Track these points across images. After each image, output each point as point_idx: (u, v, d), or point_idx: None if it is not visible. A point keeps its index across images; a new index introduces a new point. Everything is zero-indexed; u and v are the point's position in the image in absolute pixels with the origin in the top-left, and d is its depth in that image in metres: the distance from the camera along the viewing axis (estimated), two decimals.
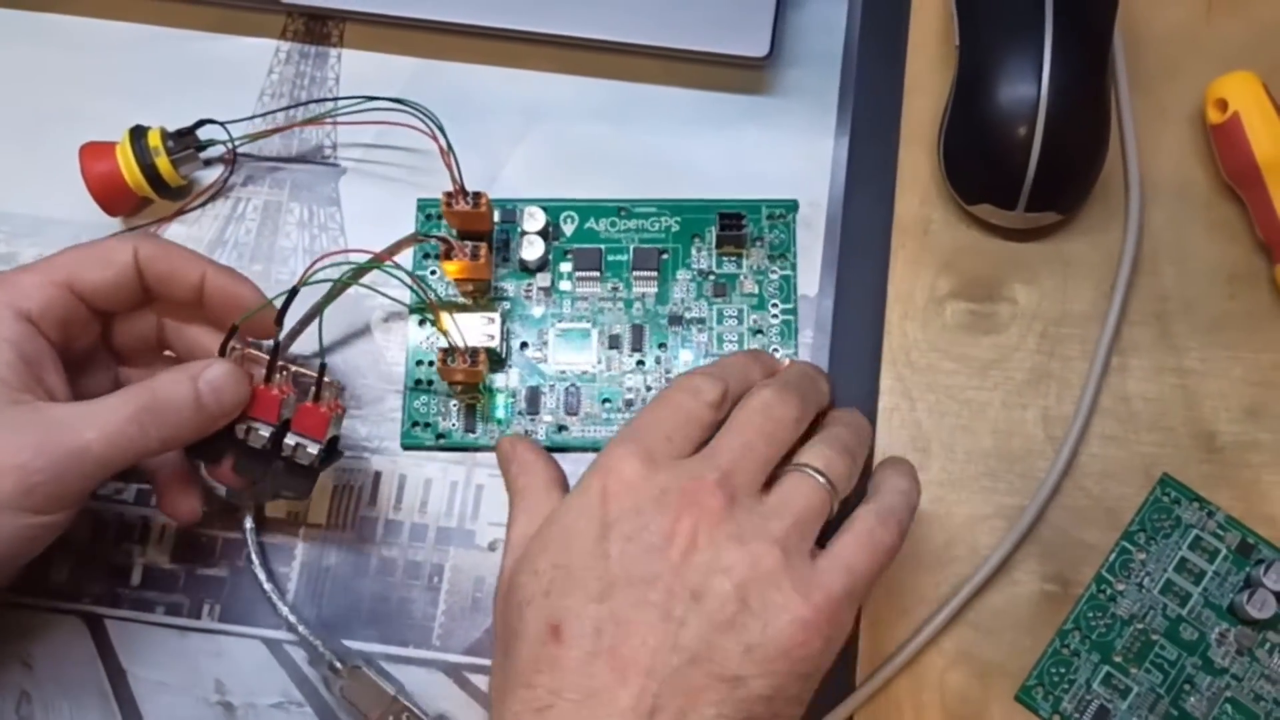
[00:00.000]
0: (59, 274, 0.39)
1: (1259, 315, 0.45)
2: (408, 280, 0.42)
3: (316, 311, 0.43)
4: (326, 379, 0.40)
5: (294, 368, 0.41)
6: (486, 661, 0.43)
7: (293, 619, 0.42)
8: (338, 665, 0.41)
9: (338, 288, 0.42)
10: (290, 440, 0.40)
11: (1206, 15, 0.49)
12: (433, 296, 0.43)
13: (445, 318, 0.43)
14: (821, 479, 0.36)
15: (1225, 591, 0.42)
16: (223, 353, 0.40)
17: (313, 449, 0.40)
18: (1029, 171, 0.43)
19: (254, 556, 0.43)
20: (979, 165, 0.45)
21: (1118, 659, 0.41)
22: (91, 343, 0.41)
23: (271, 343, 0.41)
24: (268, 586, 0.43)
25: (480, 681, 0.42)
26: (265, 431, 0.40)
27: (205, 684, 0.43)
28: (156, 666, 0.43)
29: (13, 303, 0.38)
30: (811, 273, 0.46)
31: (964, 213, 0.46)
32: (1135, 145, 0.46)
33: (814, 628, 0.33)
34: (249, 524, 0.43)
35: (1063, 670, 0.41)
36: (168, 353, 0.43)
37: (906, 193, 0.47)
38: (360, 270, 0.41)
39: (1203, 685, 0.41)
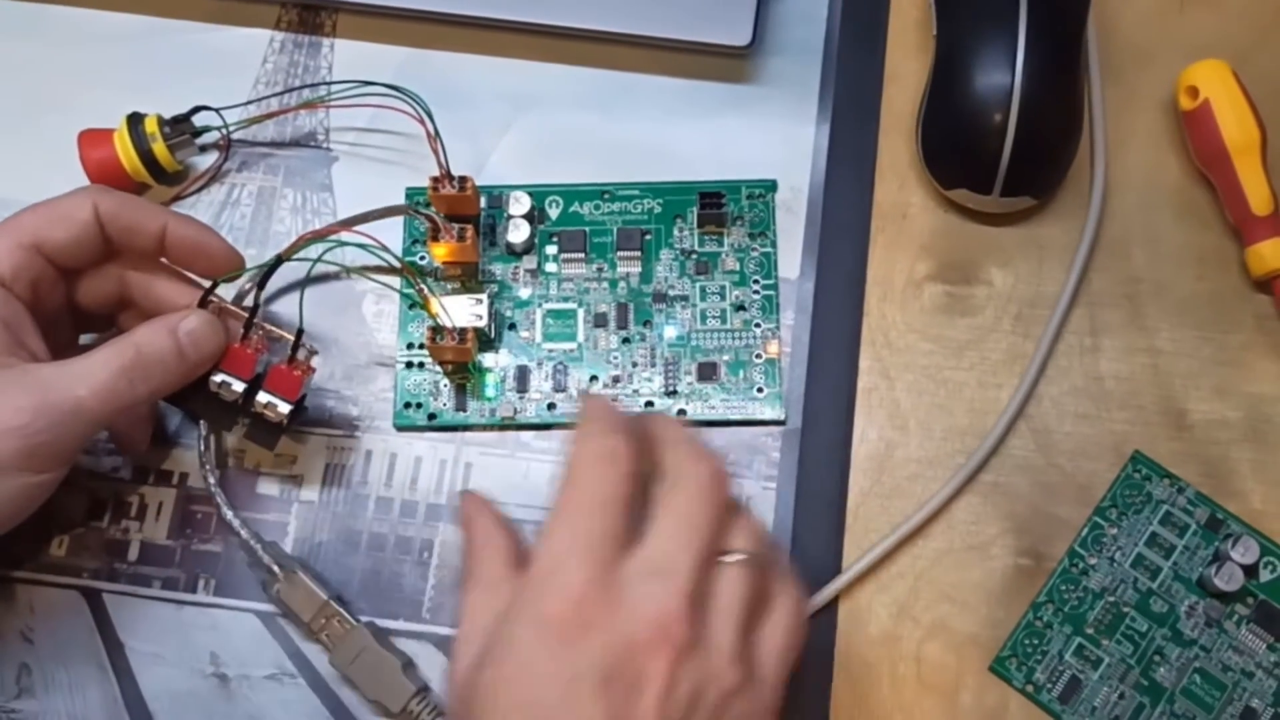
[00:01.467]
0: (25, 236, 0.39)
1: (1228, 297, 0.46)
2: (394, 261, 0.44)
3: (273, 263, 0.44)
4: (303, 344, 0.42)
5: (270, 328, 0.43)
6: None
7: (236, 522, 0.43)
8: (275, 569, 0.43)
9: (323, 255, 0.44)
10: (262, 398, 0.42)
11: (1179, 3, 0.50)
12: (419, 280, 0.44)
13: (430, 297, 0.44)
14: (754, 565, 0.36)
15: (1194, 565, 0.43)
16: (203, 306, 0.42)
17: (283, 408, 0.42)
18: (1003, 157, 0.44)
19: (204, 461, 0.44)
20: (955, 151, 0.46)
21: (1089, 631, 0.43)
22: (59, 303, 0.42)
23: (251, 303, 0.43)
24: (216, 491, 0.44)
25: None
26: (238, 387, 0.42)
27: (200, 656, 0.44)
28: (153, 639, 0.44)
29: None
30: (792, 256, 0.47)
31: (941, 197, 0.47)
32: (1104, 132, 0.47)
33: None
34: (202, 429, 0.45)
35: (1036, 642, 0.43)
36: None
37: (885, 178, 0.48)
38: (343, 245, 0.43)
39: (1172, 656, 0.42)
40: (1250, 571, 0.42)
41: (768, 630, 0.36)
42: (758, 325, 0.46)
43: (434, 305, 0.44)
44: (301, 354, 0.43)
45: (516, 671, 0.33)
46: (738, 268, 0.47)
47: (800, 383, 0.46)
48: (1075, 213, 0.47)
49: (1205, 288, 0.46)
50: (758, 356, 0.46)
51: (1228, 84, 0.46)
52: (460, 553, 0.40)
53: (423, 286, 0.44)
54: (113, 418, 0.39)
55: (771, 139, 0.49)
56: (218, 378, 0.42)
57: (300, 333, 0.42)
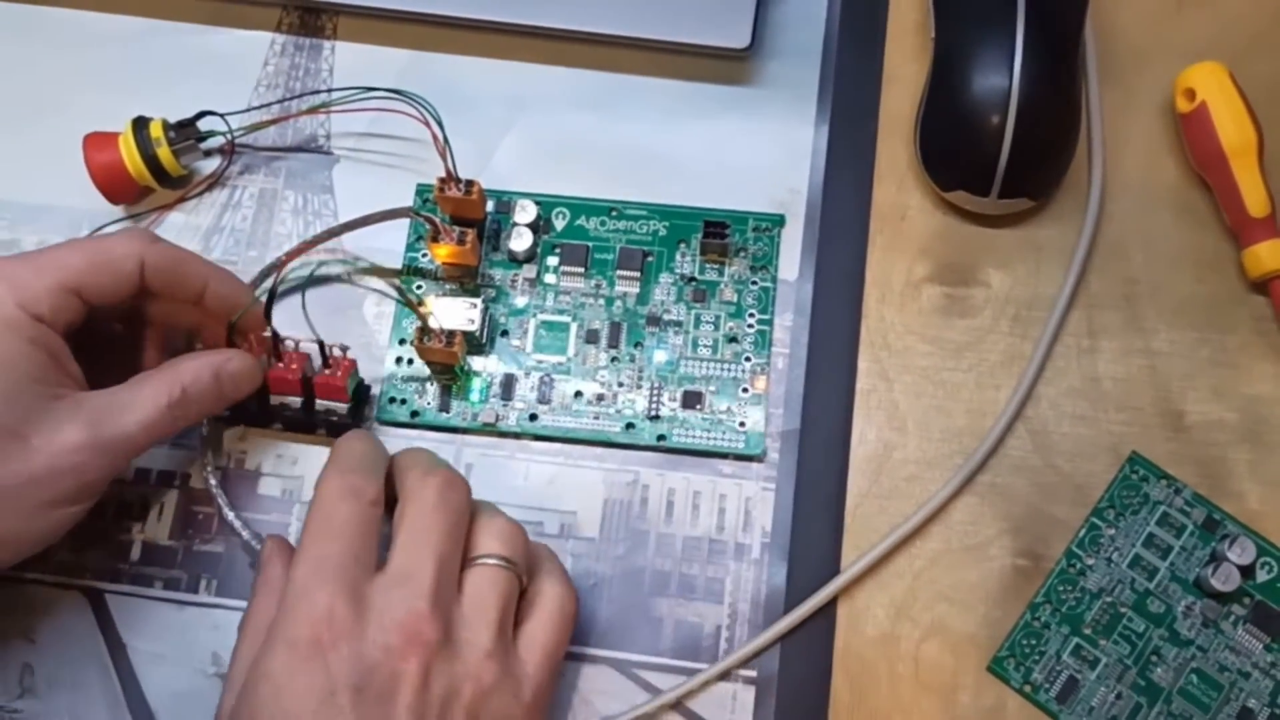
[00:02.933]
0: (70, 279, 0.39)
1: (1225, 299, 0.46)
2: (373, 267, 0.45)
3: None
4: (329, 345, 0.44)
5: (295, 341, 0.44)
6: None
7: (237, 523, 0.44)
8: (255, 545, 0.43)
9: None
10: (319, 407, 0.45)
11: (1177, 6, 0.50)
12: (401, 285, 0.45)
13: (417, 301, 0.45)
14: (506, 565, 0.38)
15: (1191, 566, 0.43)
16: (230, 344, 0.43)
17: (341, 409, 0.45)
18: (1001, 159, 0.44)
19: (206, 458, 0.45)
20: (953, 153, 0.46)
21: (1087, 631, 0.43)
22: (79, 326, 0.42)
23: (270, 331, 0.43)
24: (217, 492, 0.45)
25: None
26: (297, 403, 0.45)
27: (202, 656, 0.44)
28: (155, 639, 0.44)
29: (26, 304, 0.38)
30: (791, 257, 0.48)
31: (940, 199, 0.48)
32: (1101, 134, 0.48)
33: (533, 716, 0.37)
34: (204, 430, 0.46)
35: (1033, 642, 0.43)
36: None
37: (884, 180, 0.48)
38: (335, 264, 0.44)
39: (1169, 656, 0.42)
40: (1247, 572, 0.42)
41: (529, 627, 0.38)
42: (748, 359, 0.46)
43: (423, 308, 0.44)
44: (334, 354, 0.44)
45: (271, 695, 0.34)
46: (735, 299, 0.47)
47: (799, 384, 0.46)
48: (1073, 214, 0.47)
49: (1203, 289, 0.46)
50: (744, 390, 0.46)
51: (1224, 86, 0.46)
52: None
53: (406, 292, 0.44)
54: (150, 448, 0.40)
55: (771, 141, 0.49)
56: (275, 401, 0.45)
57: (321, 342, 0.43)
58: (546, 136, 0.50)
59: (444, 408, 0.46)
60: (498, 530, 0.39)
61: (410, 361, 0.46)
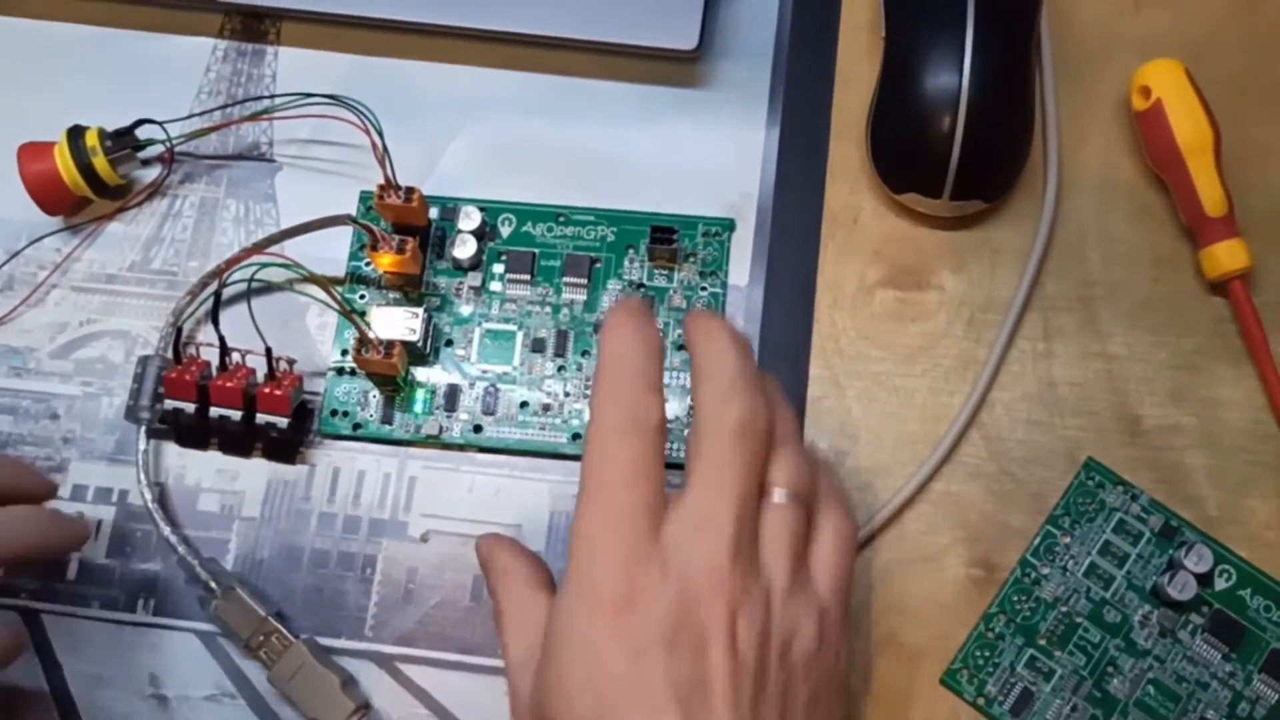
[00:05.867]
0: None
1: (1182, 299, 0.45)
2: (309, 275, 0.44)
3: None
4: (276, 357, 0.43)
5: (242, 353, 0.43)
6: (417, 652, 0.43)
7: (173, 539, 0.43)
8: (213, 585, 0.42)
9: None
10: (260, 420, 0.43)
11: (1135, 2, 0.49)
12: (334, 293, 0.44)
13: (351, 311, 0.44)
14: (800, 503, 0.36)
15: (1148, 574, 0.42)
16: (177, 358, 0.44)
17: (282, 423, 0.44)
18: (952, 161, 0.43)
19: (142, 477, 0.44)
20: (904, 155, 0.45)
21: (1042, 642, 0.42)
22: None
23: (217, 337, 0.43)
24: (154, 508, 0.44)
25: (411, 672, 0.43)
26: (237, 417, 0.43)
27: (140, 677, 0.43)
28: (92, 660, 0.43)
29: None
30: (742, 263, 0.47)
31: (892, 202, 0.47)
32: (1056, 134, 0.47)
33: (840, 653, 0.36)
34: (140, 443, 0.45)
35: (987, 653, 0.42)
36: None
37: (836, 182, 0.48)
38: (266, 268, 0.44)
39: (1126, 667, 0.41)
40: (1205, 580, 0.42)
41: (818, 553, 0.36)
42: None
43: (358, 318, 0.43)
44: (281, 367, 0.43)
45: (578, 657, 0.33)
46: (685, 305, 0.46)
47: None
48: (1028, 215, 0.47)
49: (1160, 291, 0.46)
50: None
51: (1180, 83, 0.45)
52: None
53: (341, 302, 0.43)
54: None
55: (721, 144, 0.48)
56: (215, 413, 0.43)
57: (269, 350, 0.43)
58: (494, 141, 0.49)
59: (387, 419, 0.45)
60: (793, 463, 0.36)
61: (353, 372, 0.45)
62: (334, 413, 0.45)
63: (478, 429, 0.45)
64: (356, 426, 0.45)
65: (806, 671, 0.34)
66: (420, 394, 0.45)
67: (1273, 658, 0.41)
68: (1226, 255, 0.44)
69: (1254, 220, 0.45)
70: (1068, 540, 0.43)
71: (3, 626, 0.41)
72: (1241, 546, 0.42)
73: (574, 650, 0.33)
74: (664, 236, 0.46)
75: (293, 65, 0.50)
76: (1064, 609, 0.42)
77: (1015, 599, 0.42)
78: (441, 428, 0.45)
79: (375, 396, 0.45)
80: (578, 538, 0.34)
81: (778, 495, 0.35)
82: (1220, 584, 0.42)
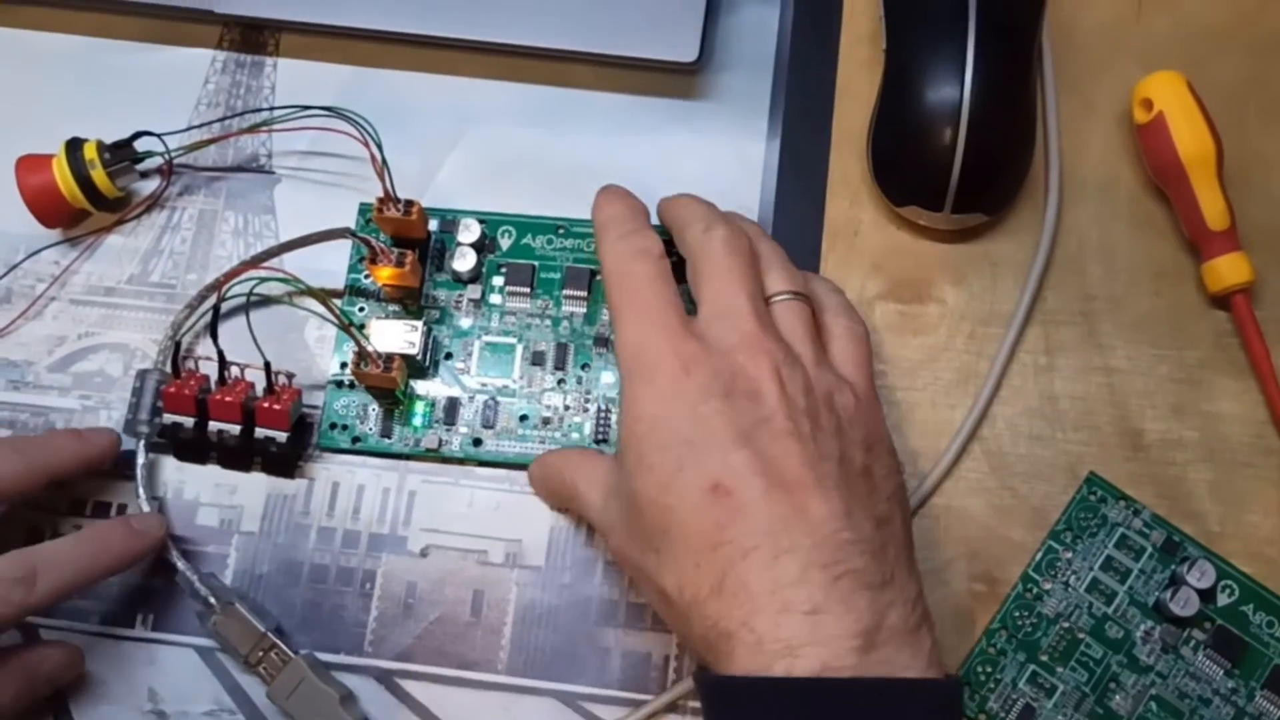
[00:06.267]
0: None
1: (1184, 313, 0.45)
2: (307, 289, 0.43)
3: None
4: (275, 371, 0.43)
5: (241, 366, 0.43)
6: (417, 667, 0.43)
7: (172, 554, 0.43)
8: (212, 601, 0.42)
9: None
10: (259, 434, 0.43)
11: (1137, 13, 0.49)
12: (333, 307, 0.43)
13: (352, 320, 0.44)
14: (800, 298, 0.40)
15: (1150, 589, 0.42)
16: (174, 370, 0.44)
17: (281, 438, 0.43)
18: (954, 174, 0.43)
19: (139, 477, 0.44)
20: (905, 168, 0.45)
21: (1044, 658, 0.42)
22: None
23: (216, 351, 0.43)
24: (146, 504, 0.44)
25: (410, 687, 0.43)
26: (236, 431, 0.43)
27: (139, 693, 0.43)
28: (91, 676, 0.43)
29: None
30: None
31: (893, 214, 0.46)
32: (1058, 146, 0.47)
33: (875, 412, 0.39)
34: (140, 457, 0.45)
35: (989, 669, 0.42)
36: None
37: (836, 195, 0.47)
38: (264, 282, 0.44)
39: (1128, 683, 0.41)
40: (1207, 596, 0.41)
41: (836, 348, 0.40)
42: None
43: (356, 332, 0.43)
44: (280, 381, 0.43)
45: (646, 425, 0.37)
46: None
47: None
48: (1029, 228, 0.46)
49: (1162, 304, 0.45)
50: None
51: (1182, 96, 0.45)
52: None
53: (340, 315, 0.43)
54: None
55: (721, 156, 0.48)
56: (214, 427, 0.43)
57: (268, 365, 0.43)
58: (493, 152, 0.49)
59: (386, 433, 0.45)
60: (781, 270, 0.40)
61: (352, 385, 0.45)
62: (333, 426, 0.45)
63: (477, 442, 0.45)
64: (356, 440, 0.45)
65: (853, 421, 0.37)
66: (420, 407, 0.45)
67: (1275, 674, 0.41)
68: (1228, 269, 0.44)
69: (1256, 234, 0.45)
70: (1070, 555, 0.43)
71: (61, 651, 0.42)
72: (1244, 562, 0.42)
73: (643, 425, 0.37)
74: (664, 249, 0.45)
75: (292, 77, 0.50)
76: (1066, 625, 0.42)
77: (1017, 614, 0.42)
78: (441, 441, 0.45)
79: (374, 410, 0.45)
80: (621, 347, 0.38)
81: (779, 298, 0.39)
82: (1223, 599, 0.42)
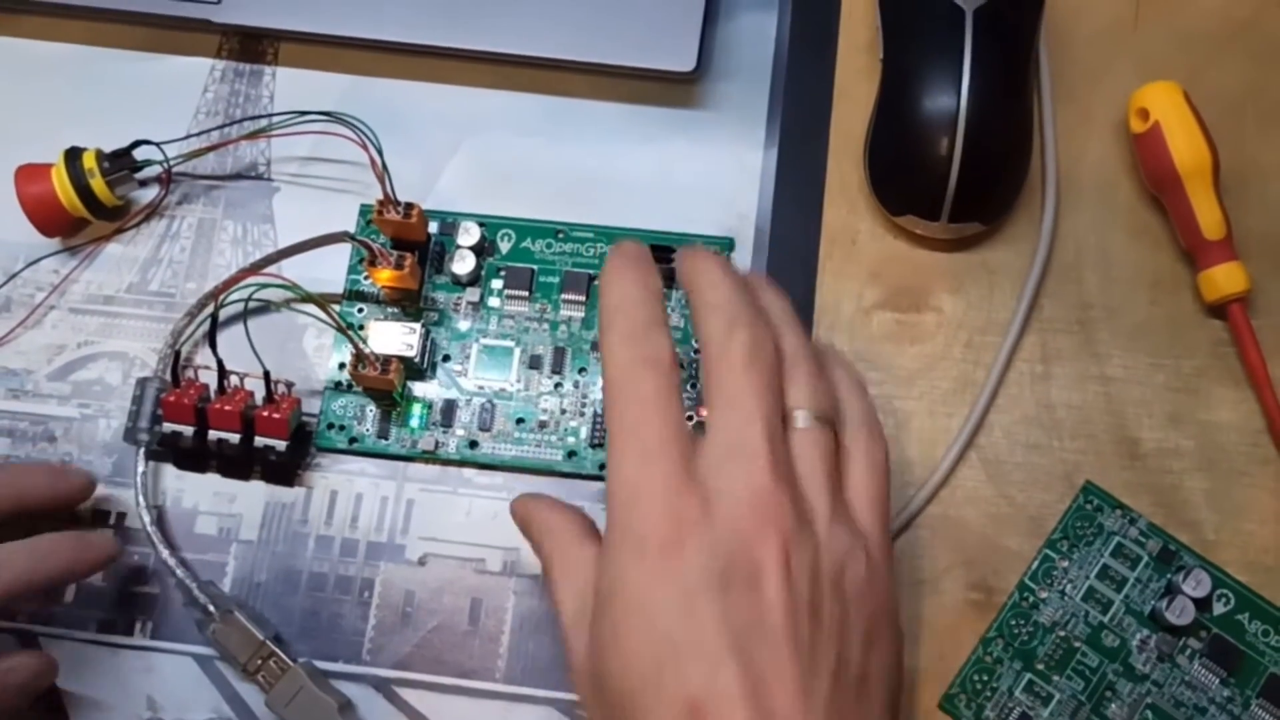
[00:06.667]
0: None
1: (1181, 322, 0.45)
2: (308, 296, 0.44)
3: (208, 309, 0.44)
4: (274, 380, 0.43)
5: (240, 375, 0.43)
6: (415, 676, 0.43)
7: (171, 562, 0.43)
8: (211, 609, 0.42)
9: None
10: (259, 443, 0.43)
11: (1134, 21, 0.49)
12: (333, 313, 0.44)
13: (350, 321, 0.44)
14: (824, 423, 0.35)
15: (1146, 598, 0.42)
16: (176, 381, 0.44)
17: (280, 447, 0.43)
18: (950, 183, 0.43)
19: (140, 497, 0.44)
20: (902, 177, 0.45)
21: (1040, 666, 0.42)
22: None
23: (215, 359, 0.43)
24: (152, 530, 0.44)
25: (409, 696, 0.43)
26: (235, 440, 0.43)
27: (137, 701, 0.43)
28: (89, 684, 0.43)
29: None
30: None
31: (890, 223, 0.47)
32: (1054, 155, 0.47)
33: (890, 587, 0.35)
34: (139, 465, 0.45)
35: (985, 678, 0.42)
36: None
37: (834, 204, 0.47)
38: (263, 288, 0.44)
39: (1124, 692, 0.41)
40: (1202, 605, 0.41)
41: (852, 479, 0.35)
42: (693, 385, 0.45)
43: (354, 335, 0.43)
44: (279, 390, 0.43)
45: (631, 611, 0.32)
46: (682, 325, 0.46)
47: None
48: (1026, 237, 0.46)
49: (1158, 313, 0.45)
50: (690, 418, 0.45)
51: (1178, 106, 0.45)
52: (536, 560, 0.38)
53: (336, 316, 0.43)
54: None
55: (719, 164, 0.48)
56: (214, 436, 0.43)
57: (268, 374, 0.43)
58: (493, 160, 0.49)
59: (383, 434, 0.45)
60: (809, 383, 0.35)
61: (350, 387, 0.45)
62: (330, 426, 0.45)
63: (473, 445, 0.45)
64: (353, 441, 0.45)
65: (860, 603, 0.33)
66: (417, 409, 0.45)
67: (1271, 682, 0.41)
68: (1225, 278, 0.44)
69: (1253, 243, 0.45)
70: (1066, 564, 0.43)
71: (35, 660, 0.42)
72: (1240, 571, 0.42)
73: (627, 603, 0.32)
74: (663, 255, 0.45)
75: (290, 86, 0.50)
76: (1062, 633, 0.42)
77: (1013, 623, 0.42)
78: (438, 443, 0.45)
79: (372, 411, 0.45)
80: (614, 482, 0.33)
81: (800, 419, 0.35)
82: (1219, 608, 0.42)
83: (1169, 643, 0.42)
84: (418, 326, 0.44)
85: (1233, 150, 0.45)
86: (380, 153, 0.44)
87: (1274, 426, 0.44)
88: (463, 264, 0.46)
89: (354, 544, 0.44)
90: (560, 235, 0.47)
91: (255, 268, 0.46)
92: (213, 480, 0.45)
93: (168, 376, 0.44)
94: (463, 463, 0.45)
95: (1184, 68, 0.47)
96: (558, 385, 0.45)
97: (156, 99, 0.50)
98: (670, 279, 0.46)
